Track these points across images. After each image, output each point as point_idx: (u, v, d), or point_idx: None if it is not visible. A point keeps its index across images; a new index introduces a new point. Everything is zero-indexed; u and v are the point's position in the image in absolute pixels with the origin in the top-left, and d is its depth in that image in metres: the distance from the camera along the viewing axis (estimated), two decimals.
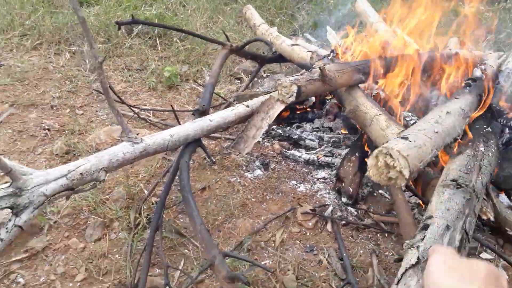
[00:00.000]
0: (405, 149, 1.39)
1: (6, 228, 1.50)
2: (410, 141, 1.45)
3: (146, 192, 2.36)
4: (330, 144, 2.88)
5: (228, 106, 3.23)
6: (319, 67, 2.28)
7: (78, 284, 1.84)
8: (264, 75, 4.05)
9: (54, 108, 3.15)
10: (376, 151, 1.44)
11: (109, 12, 4.40)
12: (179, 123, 2.65)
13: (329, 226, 2.22)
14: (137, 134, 1.95)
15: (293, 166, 2.73)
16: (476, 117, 2.17)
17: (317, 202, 2.39)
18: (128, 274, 1.87)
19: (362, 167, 2.41)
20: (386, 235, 2.19)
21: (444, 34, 3.37)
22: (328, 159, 2.72)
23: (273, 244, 2.11)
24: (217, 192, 2.44)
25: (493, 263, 2.05)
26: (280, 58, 3.54)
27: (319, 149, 2.85)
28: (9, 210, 1.55)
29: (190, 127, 2.14)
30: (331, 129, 3.08)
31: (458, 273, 0.78)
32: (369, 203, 2.41)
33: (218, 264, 1.51)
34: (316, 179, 2.61)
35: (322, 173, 2.65)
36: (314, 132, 3.02)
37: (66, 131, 2.88)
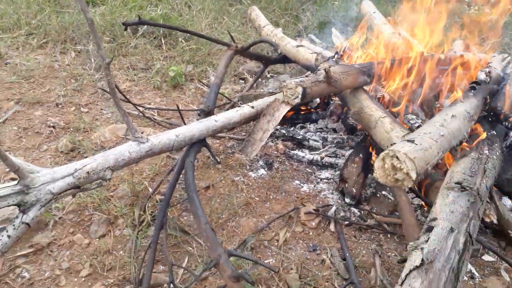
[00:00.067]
0: (412, 152, 1.40)
1: (13, 225, 1.52)
2: (417, 144, 1.46)
3: (150, 189, 2.38)
4: (333, 145, 2.89)
5: (232, 106, 3.25)
6: (324, 69, 2.30)
7: (83, 279, 1.85)
8: (269, 76, 4.07)
9: (59, 106, 3.17)
10: (383, 153, 1.45)
11: (114, 12, 4.42)
12: (184, 123, 2.67)
13: (332, 226, 2.23)
14: (142, 133, 1.96)
15: (297, 166, 2.74)
16: (481, 120, 2.18)
17: (320, 202, 2.40)
18: (132, 271, 1.89)
19: (366, 168, 2.42)
20: (389, 236, 2.20)
21: (449, 36, 3.38)
22: (332, 160, 2.73)
23: (276, 243, 2.12)
24: (221, 191, 2.46)
25: (495, 266, 2.06)
26: (284, 59, 3.55)
27: (323, 149, 2.86)
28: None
29: (195, 127, 2.16)
30: (335, 130, 3.09)
31: None
32: (372, 204, 2.42)
33: (223, 263, 1.52)
34: (319, 179, 2.62)
35: (325, 174, 2.66)
36: (318, 133, 3.03)
37: (71, 129, 2.90)
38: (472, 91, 2.17)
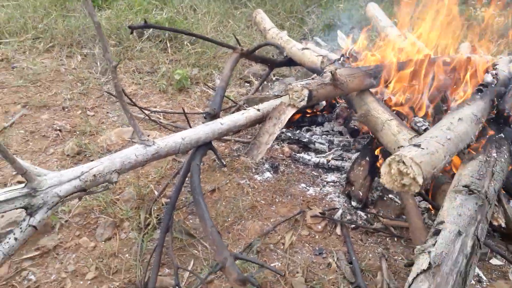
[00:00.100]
0: (418, 156, 1.39)
1: (21, 228, 1.53)
2: (423, 148, 1.45)
3: (156, 193, 2.38)
4: (340, 148, 2.88)
5: (238, 109, 3.26)
6: (331, 72, 2.29)
7: (89, 282, 1.85)
8: (274, 79, 4.07)
9: (66, 109, 3.19)
10: (389, 158, 1.44)
11: (120, 16, 4.45)
12: (190, 126, 2.67)
13: (338, 230, 2.22)
14: (148, 136, 1.97)
15: (303, 169, 2.73)
16: (489, 123, 2.16)
17: (327, 206, 2.39)
18: (138, 274, 1.89)
19: (372, 171, 2.41)
20: (396, 239, 2.18)
21: (456, 39, 3.36)
22: (338, 163, 2.71)
23: (282, 247, 2.11)
24: (226, 194, 2.46)
25: (503, 269, 2.03)
26: (290, 62, 3.55)
27: (329, 152, 2.85)
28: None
29: (201, 130, 2.16)
30: (341, 133, 3.08)
31: None
32: (378, 207, 2.40)
33: (229, 266, 1.51)
34: (325, 183, 2.61)
35: (331, 177, 2.65)
36: (324, 136, 3.02)
37: (78, 132, 2.92)
38: (479, 93, 2.15)
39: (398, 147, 2.06)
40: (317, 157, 2.80)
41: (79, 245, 2.04)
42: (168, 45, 4.24)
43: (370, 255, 2.07)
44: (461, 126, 1.78)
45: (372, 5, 4.22)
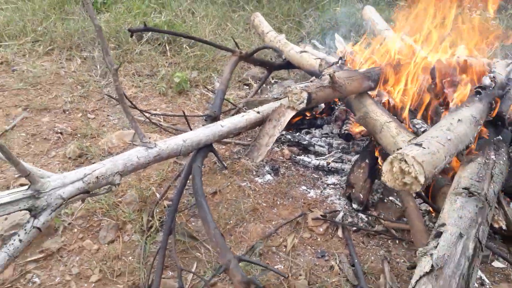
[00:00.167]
0: (420, 155, 1.41)
1: (25, 230, 1.54)
2: (424, 148, 1.47)
3: (158, 195, 2.39)
4: (339, 150, 2.90)
5: (237, 111, 3.27)
6: (329, 74, 2.32)
7: (93, 285, 1.86)
8: (273, 81, 4.09)
9: (66, 112, 3.20)
10: (391, 157, 1.46)
11: (119, 19, 4.46)
12: (190, 128, 2.69)
13: (340, 232, 2.24)
14: (149, 139, 1.98)
15: (303, 172, 2.75)
16: (487, 125, 2.19)
17: (328, 208, 2.41)
18: (141, 276, 1.90)
19: (373, 174, 2.43)
20: (397, 241, 2.21)
21: (452, 42, 3.39)
22: (338, 165, 2.74)
23: (284, 249, 2.13)
24: (228, 197, 2.47)
25: (506, 272, 2.06)
26: (288, 64, 3.57)
27: (329, 155, 2.87)
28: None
29: (202, 132, 2.18)
30: (339, 135, 3.10)
31: None
32: (379, 209, 2.43)
33: (233, 268, 1.53)
34: (326, 185, 2.63)
35: (332, 179, 2.67)
36: (323, 138, 3.05)
37: (79, 135, 2.92)
38: (478, 95, 2.18)
39: (398, 149, 2.08)
40: (317, 159, 2.82)
41: (83, 247, 2.05)
42: (167, 48, 4.26)
43: (372, 257, 2.09)
44: (461, 127, 1.81)
45: (369, 8, 4.26)
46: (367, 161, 2.48)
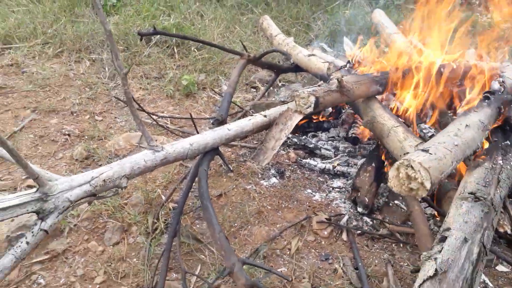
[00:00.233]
0: (427, 161, 1.41)
1: (32, 232, 1.55)
2: (431, 154, 1.47)
3: (163, 197, 2.41)
4: (345, 154, 2.89)
5: (244, 114, 3.28)
6: (337, 78, 2.31)
7: (97, 286, 1.88)
8: (280, 84, 4.09)
9: (74, 114, 3.23)
10: (397, 162, 1.45)
11: (128, 21, 4.49)
12: (197, 131, 2.70)
13: (344, 235, 2.23)
14: (156, 141, 1.99)
15: (309, 175, 2.75)
16: (495, 130, 2.17)
17: (333, 211, 2.40)
18: (146, 278, 1.91)
19: (378, 177, 2.42)
20: (402, 245, 2.19)
21: (462, 46, 3.37)
22: (344, 169, 2.73)
23: (288, 252, 2.13)
24: (233, 199, 2.47)
25: (510, 276, 2.04)
26: (296, 68, 3.57)
27: (335, 158, 2.86)
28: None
29: (209, 136, 2.18)
30: (346, 139, 3.09)
31: None
32: (384, 213, 2.41)
33: (237, 271, 1.53)
34: (331, 188, 2.62)
35: (337, 183, 2.67)
36: (329, 142, 3.04)
37: (86, 137, 2.95)
38: (486, 100, 2.16)
39: (404, 154, 2.07)
40: (323, 163, 2.81)
41: (88, 249, 2.06)
42: (175, 50, 4.28)
43: (376, 261, 2.08)
44: (468, 132, 1.79)
45: (378, 12, 4.24)
46: (373, 165, 2.47)
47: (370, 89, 2.55)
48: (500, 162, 1.90)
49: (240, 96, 3.78)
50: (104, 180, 1.72)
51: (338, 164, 2.76)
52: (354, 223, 2.32)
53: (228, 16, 5.16)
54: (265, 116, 2.52)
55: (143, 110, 3.03)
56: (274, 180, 2.67)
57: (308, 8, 5.60)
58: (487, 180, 1.74)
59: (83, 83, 3.64)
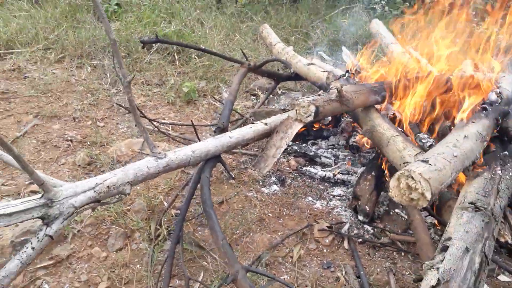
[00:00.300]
0: (427, 172, 1.44)
1: (37, 238, 1.57)
2: (431, 165, 1.50)
3: (166, 204, 2.43)
4: (345, 162, 2.92)
5: (244, 121, 3.31)
6: (337, 88, 2.35)
7: None
8: (280, 92, 4.13)
9: (76, 120, 3.25)
10: (398, 173, 1.49)
11: (129, 28, 4.53)
12: (198, 138, 2.72)
13: (345, 244, 2.26)
14: (157, 147, 2.01)
15: (309, 183, 2.77)
16: (493, 141, 2.21)
17: (334, 219, 2.43)
18: (149, 284, 1.92)
19: (379, 186, 2.45)
20: (403, 254, 2.22)
21: (459, 56, 3.42)
22: (344, 177, 2.76)
23: (290, 260, 2.15)
24: (234, 206, 2.50)
25: (511, 286, 2.06)
26: (295, 76, 3.61)
27: (335, 166, 2.89)
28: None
29: (211, 143, 2.21)
30: (346, 147, 3.13)
31: None
32: (385, 221, 2.44)
33: (240, 278, 1.55)
34: (332, 196, 2.65)
35: (338, 191, 2.70)
36: (329, 149, 3.07)
37: (88, 143, 2.97)
38: (484, 111, 2.20)
39: (404, 163, 2.11)
40: (323, 170, 2.84)
41: (91, 255, 2.08)
42: (176, 57, 4.32)
43: (378, 269, 2.10)
44: (467, 143, 1.83)
45: (376, 22, 4.29)
46: (373, 173, 2.50)
47: (369, 99, 2.58)
48: (499, 172, 1.94)
49: (240, 103, 3.81)
50: (108, 187, 1.75)
51: (338, 172, 2.79)
52: (355, 231, 2.35)
53: (228, 23, 5.21)
54: (266, 124, 2.55)
55: (145, 117, 3.06)
56: (275, 187, 2.70)
57: (307, 17, 5.66)
58: (487, 190, 1.77)
59: (84, 89, 3.66)
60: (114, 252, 2.11)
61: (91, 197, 1.71)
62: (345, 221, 2.41)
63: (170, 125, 3.31)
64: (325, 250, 2.22)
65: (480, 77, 2.79)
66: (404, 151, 2.18)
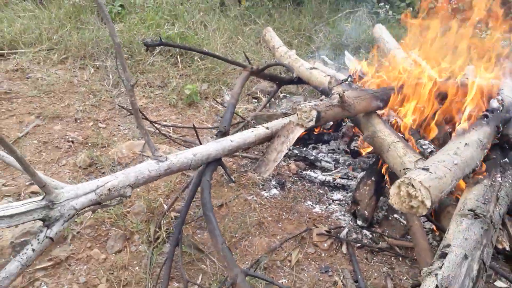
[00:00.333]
0: (427, 180, 1.44)
1: (38, 239, 1.58)
2: (431, 173, 1.50)
3: (165, 206, 2.43)
4: (345, 166, 2.93)
5: (246, 124, 3.32)
6: (339, 94, 2.35)
7: None
8: (281, 96, 4.14)
9: (78, 121, 3.26)
10: (398, 181, 1.49)
11: (132, 30, 4.54)
12: (199, 141, 2.73)
13: (344, 248, 2.26)
14: (158, 149, 2.02)
15: (309, 187, 2.78)
16: (494, 148, 2.21)
17: (333, 224, 2.43)
18: (148, 287, 1.92)
19: (378, 191, 2.46)
20: (401, 259, 2.22)
21: (462, 62, 3.42)
22: (344, 181, 2.76)
23: (288, 264, 2.15)
24: (234, 210, 2.50)
25: None
26: (297, 80, 3.62)
27: (335, 170, 2.89)
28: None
29: (212, 147, 2.22)
30: (346, 152, 3.13)
31: None
32: (384, 226, 2.44)
33: (240, 282, 1.56)
34: (331, 201, 2.65)
35: (337, 195, 2.70)
36: (329, 154, 3.08)
37: (89, 144, 2.98)
38: (485, 119, 2.21)
39: (404, 169, 2.11)
40: (323, 175, 2.84)
41: (91, 256, 2.08)
42: (179, 59, 4.33)
43: (376, 274, 2.10)
44: (468, 151, 1.83)
45: (379, 27, 4.30)
46: (373, 178, 2.50)
47: (371, 105, 2.59)
48: (499, 179, 1.94)
49: (242, 106, 3.82)
50: (109, 189, 1.75)
51: (338, 177, 2.80)
52: (354, 236, 2.35)
53: (231, 26, 5.22)
54: (267, 128, 2.57)
55: (147, 119, 3.07)
56: (274, 191, 2.70)
57: (310, 20, 5.67)
58: (486, 197, 1.77)
59: (87, 90, 3.68)
60: (113, 254, 2.12)
61: (92, 199, 1.72)
62: (344, 225, 2.41)
63: (171, 127, 3.32)
64: (323, 254, 2.22)
65: (482, 83, 2.79)
66: (404, 157, 2.18)
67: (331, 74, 3.24)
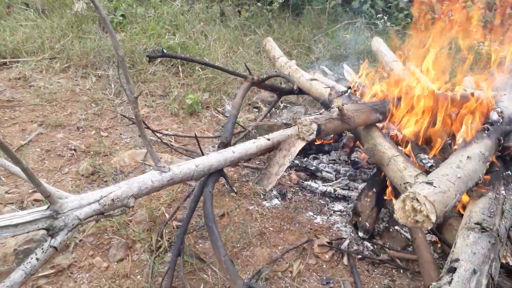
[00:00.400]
0: (431, 195, 1.46)
1: (42, 249, 1.59)
2: (435, 187, 1.52)
3: (167, 215, 2.44)
4: (346, 177, 2.95)
5: (246, 134, 3.34)
6: (338, 107, 2.38)
7: None
8: (282, 106, 4.16)
9: (80, 129, 3.28)
10: (403, 195, 1.51)
11: (134, 39, 4.57)
12: (201, 150, 2.75)
13: (345, 260, 2.27)
14: (160, 158, 2.04)
15: (310, 197, 2.79)
16: (497, 160, 2.23)
17: (334, 235, 2.44)
18: None
19: (379, 202, 2.47)
20: (402, 271, 2.23)
21: (460, 73, 3.46)
22: (345, 192, 2.78)
23: (290, 275, 2.15)
24: (235, 219, 2.51)
25: None
26: (298, 91, 3.64)
27: (336, 181, 2.91)
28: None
29: (214, 158, 2.24)
30: (347, 162, 3.15)
31: None
32: (385, 238, 2.45)
33: None
34: (332, 212, 2.66)
35: (338, 206, 2.71)
36: (330, 164, 3.09)
37: (92, 152, 2.99)
38: (486, 131, 2.23)
39: (404, 183, 2.13)
40: (324, 185, 2.86)
41: (93, 265, 2.09)
42: (180, 69, 4.35)
43: (377, 286, 2.11)
44: (470, 164, 1.85)
45: (377, 40, 4.35)
46: (374, 189, 2.52)
47: (370, 117, 2.62)
48: (503, 192, 1.95)
49: (243, 116, 3.84)
50: (112, 200, 1.77)
51: (339, 188, 2.81)
52: (355, 247, 2.36)
53: (231, 36, 5.26)
54: (268, 139, 2.59)
55: (148, 128, 3.08)
56: (276, 201, 2.71)
57: (309, 31, 5.72)
58: (492, 210, 1.78)
59: (89, 98, 3.70)
60: (115, 263, 2.12)
61: (95, 209, 1.73)
62: (345, 237, 2.42)
63: (173, 136, 3.34)
64: (324, 266, 2.22)
65: (481, 96, 2.82)
66: (404, 171, 2.20)
67: (331, 85, 3.27)
